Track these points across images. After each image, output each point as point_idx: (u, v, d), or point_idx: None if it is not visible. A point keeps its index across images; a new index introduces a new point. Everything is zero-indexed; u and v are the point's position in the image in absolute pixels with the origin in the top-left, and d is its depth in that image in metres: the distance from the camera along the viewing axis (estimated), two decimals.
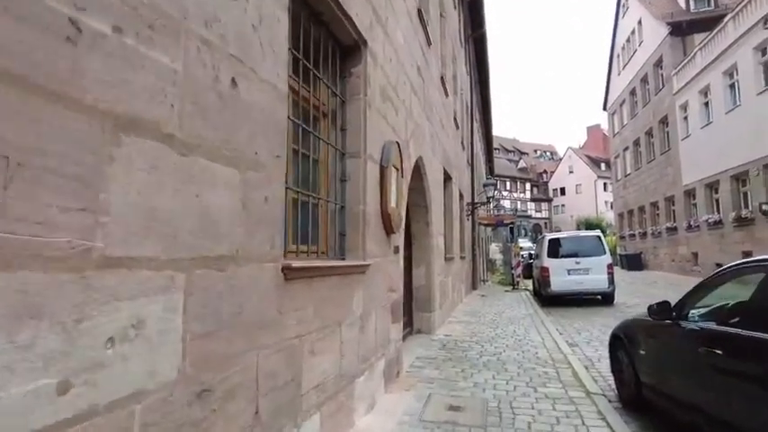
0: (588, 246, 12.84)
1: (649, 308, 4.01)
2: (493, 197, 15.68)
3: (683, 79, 21.62)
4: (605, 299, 12.96)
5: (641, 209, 28.95)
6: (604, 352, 6.98)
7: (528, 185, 78.38)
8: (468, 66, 18.77)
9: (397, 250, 4.99)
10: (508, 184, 75.04)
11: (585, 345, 7.51)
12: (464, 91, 16.29)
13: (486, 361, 5.98)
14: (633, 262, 28.36)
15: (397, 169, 4.76)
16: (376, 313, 4.20)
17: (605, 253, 12.67)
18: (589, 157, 75.53)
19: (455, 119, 12.43)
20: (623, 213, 32.72)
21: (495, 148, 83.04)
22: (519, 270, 19.37)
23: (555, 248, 13.02)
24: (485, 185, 15.64)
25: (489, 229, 33.82)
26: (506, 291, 17.71)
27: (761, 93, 16.12)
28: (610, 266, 12.56)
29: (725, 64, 18.21)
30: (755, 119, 16.25)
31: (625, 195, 31.99)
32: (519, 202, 75.40)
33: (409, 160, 5.87)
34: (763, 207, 15.56)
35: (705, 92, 20.04)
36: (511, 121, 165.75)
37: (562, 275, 12.64)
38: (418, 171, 7.07)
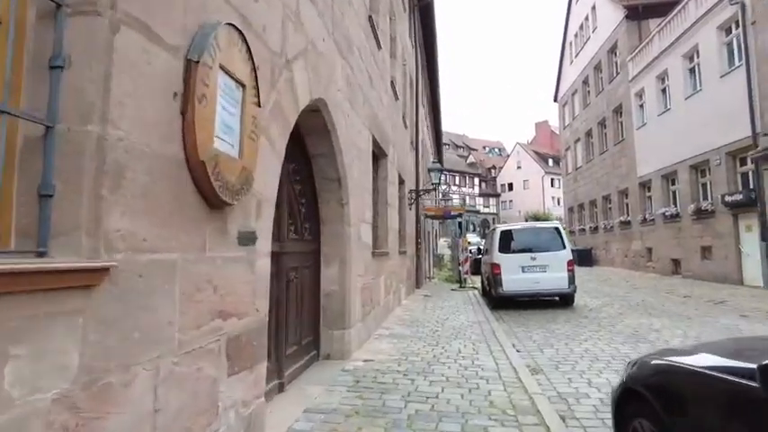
0: (545, 239, 11.06)
1: (763, 369, 1.83)
2: (439, 184, 13.71)
3: (640, 65, 20.44)
4: (564, 300, 11.25)
5: (592, 202, 27.97)
6: (579, 382, 5.04)
7: (476, 180, 77.96)
8: (413, 40, 16.70)
9: (246, 239, 2.74)
10: (457, 178, 74.31)
11: (553, 370, 5.55)
12: (407, 63, 14.18)
13: (415, 414, 3.85)
14: (583, 258, 27.27)
15: (242, 85, 2.51)
16: (159, 369, 1.94)
17: (565, 247, 10.91)
18: (537, 152, 75.90)
19: (393, 85, 10.29)
20: (573, 208, 31.80)
21: (445, 144, 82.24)
22: (467, 266, 17.57)
23: (507, 242, 11.15)
24: (430, 170, 13.63)
25: (437, 222, 32.16)
26: (453, 289, 15.83)
27: (724, 75, 14.91)
28: (570, 263, 10.82)
29: (685, 46, 16.99)
30: (718, 104, 15.04)
31: (575, 189, 31.04)
32: (468, 197, 74.76)
33: (293, 93, 3.63)
34: (726, 198, 14.35)
35: (663, 77, 18.86)
36: (461, 117, 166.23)
37: (515, 273, 10.79)
38: (322, 124, 4.86)
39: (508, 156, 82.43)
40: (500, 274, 10.88)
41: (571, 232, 32.59)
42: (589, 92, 27.96)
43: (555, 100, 35.82)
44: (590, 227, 28.14)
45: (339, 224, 5.60)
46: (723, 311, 9.81)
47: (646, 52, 19.92)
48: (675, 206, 17.97)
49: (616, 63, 23.73)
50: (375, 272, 7.58)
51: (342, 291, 5.58)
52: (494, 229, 11.93)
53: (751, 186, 13.86)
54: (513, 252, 11.03)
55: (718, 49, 15.21)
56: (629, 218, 22.40)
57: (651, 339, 7.07)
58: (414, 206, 15.41)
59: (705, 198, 16.12)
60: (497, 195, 79.76)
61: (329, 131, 4.98)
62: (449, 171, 71.27)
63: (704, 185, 16.36)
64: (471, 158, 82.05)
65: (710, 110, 15.40)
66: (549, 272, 10.72)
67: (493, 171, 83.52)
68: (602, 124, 25.84)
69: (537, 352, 6.54)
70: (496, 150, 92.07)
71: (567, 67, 32.16)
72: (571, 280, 10.72)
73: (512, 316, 9.98)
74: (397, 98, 10.92)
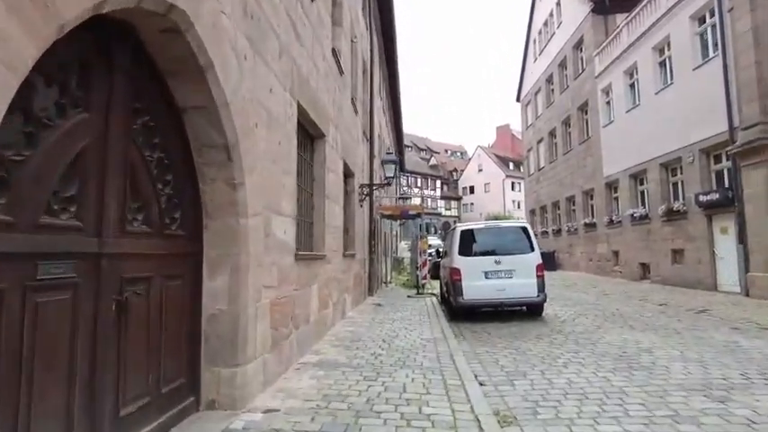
0: (511, 240, 9.64)
1: None
2: (394, 178, 12.14)
3: (607, 59, 19.51)
4: (532, 310, 9.86)
5: (555, 204, 27.07)
6: None
7: (438, 183, 77.29)
8: (368, 23, 15.14)
9: None
10: (419, 180, 73.39)
11: (530, 419, 4.01)
12: (359, 42, 12.56)
13: None
14: (546, 261, 25.94)
15: None
16: None
17: (533, 250, 9.51)
18: (498, 156, 75.87)
19: (336, 56, 8.64)
20: (535, 210, 30.91)
21: (408, 146, 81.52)
22: (425, 270, 16.09)
23: (469, 243, 9.66)
24: (384, 162, 12.04)
25: (398, 223, 30.69)
26: (409, 296, 14.29)
27: (698, 67, 13.97)
28: (540, 268, 9.44)
29: (655, 38, 16.06)
30: (691, 97, 14.08)
31: (538, 190, 30.15)
32: (429, 200, 73.91)
33: None
34: (700, 198, 13.37)
35: (631, 72, 17.94)
36: (424, 121, 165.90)
37: (477, 279, 9.32)
38: (189, 55, 3.16)
39: (470, 159, 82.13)
40: (460, 280, 9.38)
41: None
42: (553, 90, 27.09)
43: (518, 100, 34.99)
44: (553, 229, 27.23)
45: (230, 215, 3.89)
46: (711, 323, 8.60)
47: (613, 46, 18.99)
48: (644, 207, 17.02)
49: (582, 59, 22.84)
50: (301, 281, 5.89)
51: (233, 311, 3.88)
52: (454, 229, 10.43)
53: (727, 185, 12.91)
54: (476, 255, 9.56)
55: (691, 40, 14.27)
56: (594, 220, 21.47)
57: (646, 364, 5.65)
58: (366, 203, 13.81)
59: (676, 198, 15.17)
60: (459, 198, 79.34)
61: (203, 70, 3.28)
62: (411, 173, 70.24)
63: (675, 185, 15.42)
64: (433, 161, 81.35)
65: (683, 104, 14.44)
66: (516, 278, 9.30)
67: (455, 174, 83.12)
68: (567, 123, 24.95)
69: (506, 386, 4.99)
70: (458, 154, 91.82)
71: (531, 65, 31.31)
72: (541, 287, 9.33)
73: (473, 330, 8.48)
74: (341, 72, 9.27)
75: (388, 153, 12.07)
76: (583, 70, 22.36)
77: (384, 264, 21.27)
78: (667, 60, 15.61)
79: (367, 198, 13.32)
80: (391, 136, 32.42)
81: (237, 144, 3.81)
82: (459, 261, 9.49)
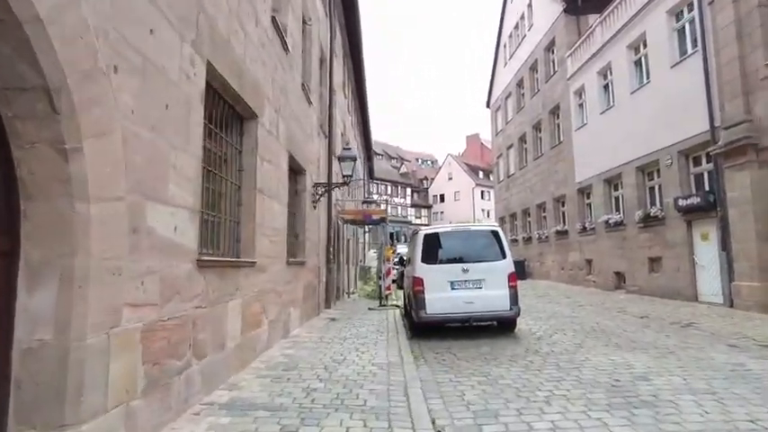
0: (481, 246, 8.50)
1: None
2: (351, 176, 10.87)
3: (579, 60, 18.80)
4: (504, 324, 8.72)
5: (525, 211, 26.28)
6: None
7: (409, 191, 76.56)
8: (328, 8, 13.98)
9: None
10: (389, 188, 72.44)
11: None
12: (314, 25, 11.34)
13: None
14: (516, 270, 25.29)
15: None
16: None
17: (505, 256, 8.38)
18: (468, 164, 75.68)
19: (278, 26, 7.36)
20: (505, 217, 30.10)
21: (379, 154, 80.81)
22: (389, 280, 14.86)
23: (433, 249, 8.47)
24: (341, 159, 10.76)
25: (365, 231, 29.38)
26: (371, 308, 13.04)
27: (676, 65, 13.24)
28: (513, 277, 8.31)
29: (630, 36, 15.35)
30: (669, 97, 13.34)
31: (508, 198, 29.37)
32: (400, 208, 73.06)
33: None
34: (680, 203, 12.56)
35: (605, 72, 17.22)
36: (396, 130, 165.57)
37: (442, 290, 8.13)
38: None
39: (440, 167, 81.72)
40: (423, 291, 8.16)
41: None
42: (523, 94, 26.40)
43: (487, 106, 34.32)
44: (523, 237, 26.41)
45: (61, 197, 2.57)
46: (703, 339, 7.60)
47: (586, 46, 18.28)
48: (619, 213, 16.23)
49: (553, 61, 22.17)
50: (210, 295, 4.56)
51: (61, 343, 2.55)
52: (416, 234, 9.21)
53: (708, 188, 12.12)
54: (441, 262, 8.37)
55: (669, 37, 13.56)
56: (566, 227, 20.66)
57: (646, 398, 4.51)
58: (323, 206, 12.51)
59: (654, 203, 14.37)
60: (429, 206, 78.78)
61: None
62: (381, 180, 69.23)
63: (652, 189, 14.64)
64: (404, 168, 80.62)
65: (660, 104, 13.69)
66: (486, 288, 8.14)
67: (425, 182, 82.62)
68: (537, 128, 24.22)
69: None
70: (429, 162, 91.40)
71: (501, 69, 30.66)
72: (514, 299, 8.19)
73: (437, 350, 7.26)
74: (286, 50, 8.00)
75: (345, 148, 10.83)
76: (554, 72, 21.66)
77: (347, 273, 19.95)
78: (643, 59, 14.89)
79: (322, 199, 12.04)
80: (359, 140, 31.28)
81: (69, 89, 2.49)
82: (422, 269, 8.29)
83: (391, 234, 61.39)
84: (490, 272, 8.21)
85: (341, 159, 10.74)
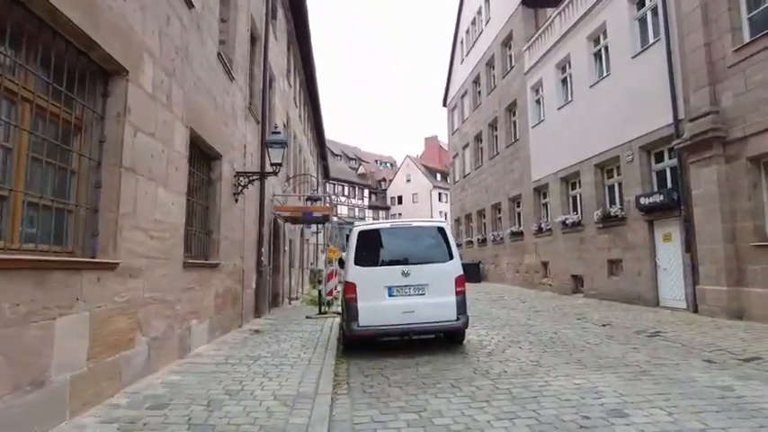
0: (425, 245, 7.25)
1: None
2: (280, 165, 9.42)
3: (537, 54, 17.98)
4: (450, 336, 7.49)
5: (480, 212, 25.42)
6: None
7: (366, 192, 75.32)
8: None
9: None
10: (346, 189, 71.01)
11: None
12: None
13: None
14: (471, 272, 24.45)
15: None
16: None
17: (452, 257, 7.14)
18: (426, 166, 75.15)
19: None
20: (460, 218, 29.25)
21: (337, 155, 79.31)
22: (332, 284, 13.48)
23: (369, 249, 7.14)
24: (269, 144, 9.30)
25: (316, 231, 27.79)
26: (309, 317, 11.58)
27: (637, 55, 12.47)
28: (461, 281, 7.08)
29: (590, 26, 14.57)
30: (630, 89, 12.55)
31: (463, 199, 28.50)
32: (357, 209, 71.67)
33: None
34: (641, 201, 11.74)
35: (564, 65, 16.43)
36: (356, 132, 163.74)
37: (378, 298, 6.82)
38: None
39: (398, 169, 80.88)
40: (355, 300, 6.82)
41: (458, 245, 30.00)
42: (480, 92, 25.57)
43: (444, 104, 33.46)
44: (478, 239, 25.54)
45: None
46: (675, 353, 6.59)
47: (544, 39, 17.48)
48: (577, 213, 15.41)
49: (510, 56, 21.36)
50: (4, 312, 3.06)
51: None
52: (351, 231, 7.84)
53: (671, 186, 11.35)
54: (377, 264, 7.06)
55: (630, 26, 12.80)
56: (521, 228, 19.81)
57: None
58: (254, 200, 11.03)
59: (613, 202, 13.58)
60: (387, 208, 77.70)
61: None
62: (338, 181, 67.70)
63: (612, 188, 13.85)
64: (362, 169, 79.30)
65: (621, 97, 12.90)
66: (430, 295, 6.89)
67: (383, 183, 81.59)
68: (493, 126, 23.40)
69: None
70: (388, 164, 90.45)
71: (458, 67, 29.81)
72: (461, 307, 6.97)
73: (367, 372, 5.94)
74: (189, 5, 6.52)
75: (274, 132, 9.38)
76: (512, 68, 20.84)
77: (292, 277, 18.41)
78: (603, 50, 14.13)
79: (252, 193, 10.55)
80: (310, 135, 29.76)
81: None
82: (355, 273, 6.95)
83: (347, 236, 59.75)
84: (435, 275, 6.96)
85: (268, 145, 9.28)
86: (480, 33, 25.02)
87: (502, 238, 21.94)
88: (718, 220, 9.49)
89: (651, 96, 11.66)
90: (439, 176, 72.89)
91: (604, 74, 13.91)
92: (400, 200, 76.50)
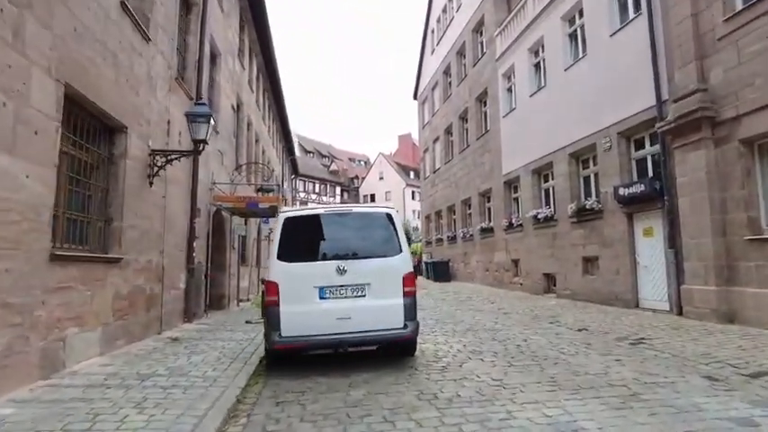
0: (367, 236, 5.91)
1: None
2: (205, 142, 7.94)
3: (509, 38, 16.86)
4: (399, 347, 6.17)
5: (451, 208, 24.27)
6: None
7: (338, 190, 73.75)
8: None
9: None
10: (318, 186, 69.23)
11: None
12: None
13: None
14: (440, 271, 23.41)
15: None
16: None
17: (401, 250, 5.81)
18: (399, 164, 74.05)
19: None
20: (430, 215, 28.08)
21: (310, 152, 77.52)
22: None
23: (296, 240, 5.75)
24: (191, 117, 7.82)
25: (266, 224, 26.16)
26: (249, 321, 10.10)
27: (615, 33, 11.41)
28: (410, 279, 5.76)
29: (565, 5, 13.49)
30: (608, 70, 11.50)
31: (433, 194, 27.34)
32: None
33: None
34: (620, 192, 10.66)
35: (537, 49, 15.33)
36: (331, 130, 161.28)
37: (306, 302, 5.46)
38: None
39: (371, 166, 79.57)
40: (277, 303, 5.44)
41: (428, 243, 28.85)
42: (450, 83, 24.41)
43: (415, 97, 32.24)
44: (448, 236, 24.38)
45: None
46: (668, 366, 5.42)
47: (516, 22, 16.37)
48: (550, 207, 14.32)
49: (482, 43, 20.22)
50: None
51: None
52: (279, 217, 6.41)
53: (652, 175, 10.30)
54: (306, 259, 5.68)
55: (608, 2, 11.71)
56: (491, 224, 18.69)
57: None
58: (184, 186, 9.56)
59: (589, 195, 12.51)
60: None
61: None
62: (309, 177, 65.97)
63: (588, 179, 12.78)
64: (334, 166, 77.69)
65: (598, 80, 11.83)
66: (371, 297, 5.56)
67: (356, 181, 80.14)
68: (464, 117, 22.26)
69: None
70: (362, 162, 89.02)
71: (429, 58, 28.62)
72: (410, 311, 5.65)
73: (281, 397, 4.59)
74: None
75: (198, 103, 7.91)
76: (483, 54, 19.70)
77: (243, 277, 16.85)
78: (579, 30, 13.04)
79: (180, 177, 9.09)
80: (273, 127, 28.18)
81: None
82: (278, 270, 5.56)
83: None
84: (378, 273, 5.63)
85: (190, 118, 7.79)
86: (451, 21, 23.86)
87: (472, 235, 20.81)
88: (706, 211, 8.42)
89: (631, 77, 10.60)
90: (412, 174, 71.82)
91: (580, 55, 12.84)
92: (373, 198, 75.16)
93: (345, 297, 5.52)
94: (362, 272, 5.57)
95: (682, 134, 8.95)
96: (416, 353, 6.35)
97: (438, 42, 26.38)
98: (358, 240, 5.79)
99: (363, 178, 78.82)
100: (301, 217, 5.91)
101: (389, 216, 5.96)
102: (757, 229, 7.80)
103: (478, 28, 20.40)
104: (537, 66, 15.35)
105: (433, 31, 27.72)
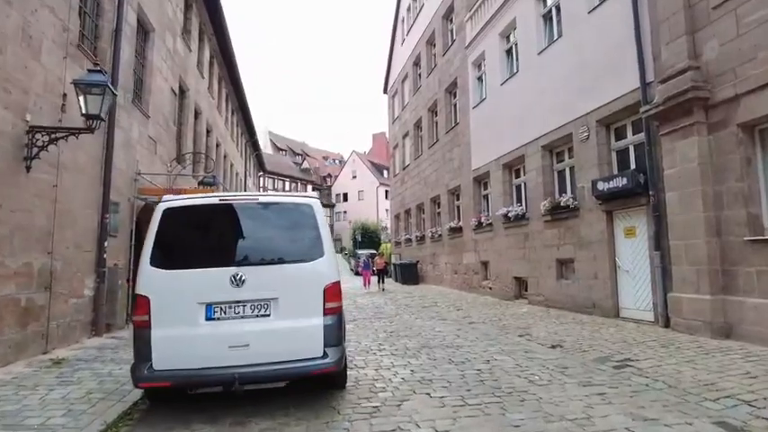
0: (277, 235, 4.49)
1: None
2: (99, 118, 6.38)
3: (480, 22, 15.63)
4: (321, 379, 4.74)
5: (420, 207, 22.99)
6: None
7: (310, 188, 71.81)
8: None
9: None
10: (287, 184, 67.22)
11: None
12: None
13: None
14: (408, 273, 22.13)
15: None
16: None
17: (323, 254, 4.39)
18: (372, 163, 72.61)
19: None
20: (400, 214, 26.77)
21: (282, 150, 75.48)
22: None
23: (178, 240, 4.32)
24: (80, 86, 6.26)
25: None
26: None
27: (594, 9, 10.24)
28: (334, 291, 4.34)
29: None
30: (585, 52, 10.32)
31: (402, 192, 26.03)
32: None
33: None
34: (599, 186, 9.47)
35: (509, 33, 14.12)
36: (309, 129, 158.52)
37: (187, 323, 4.03)
38: None
39: (344, 164, 77.96)
40: (148, 325, 3.98)
41: (397, 243, 27.53)
42: (420, 74, 23.12)
43: (385, 91, 30.88)
44: (416, 236, 23.09)
45: None
46: (666, 405, 4.18)
47: (487, 6, 15.14)
48: (521, 204, 13.10)
49: (452, 31, 18.96)
50: None
51: None
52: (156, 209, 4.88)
53: (634, 166, 9.14)
54: (187, 265, 4.21)
55: None
56: (460, 223, 17.44)
57: None
58: (91, 172, 7.99)
59: (564, 191, 11.32)
60: (332, 206, 74.53)
61: None
62: (278, 175, 63.95)
63: (563, 173, 11.59)
64: (305, 164, 75.79)
65: (574, 63, 10.64)
66: (279, 316, 4.15)
67: (328, 180, 78.42)
68: (433, 110, 20.99)
69: None
70: (336, 161, 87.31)
71: (399, 49, 27.29)
72: (333, 334, 4.26)
73: None
74: None
75: (92, 71, 6.38)
76: (452, 42, 18.44)
77: None
78: (554, 10, 11.84)
79: (83, 163, 7.52)
80: (233, 119, 26.50)
81: None
82: (149, 280, 4.10)
83: None
84: (290, 284, 4.22)
85: (80, 88, 6.24)
86: (421, 8, 22.56)
87: (440, 236, 19.54)
88: (698, 207, 7.25)
89: (612, 58, 9.43)
90: (386, 173, 70.42)
91: (555, 37, 11.63)
92: (345, 197, 73.69)
93: (243, 317, 4.09)
94: (267, 282, 4.15)
95: (670, 119, 7.77)
96: (348, 384, 4.97)
97: (408, 32, 25.07)
98: (264, 240, 4.37)
99: (336, 177, 77.20)
100: (187, 207, 4.42)
101: (310, 208, 4.53)
102: (759, 228, 6.65)
103: (449, 14, 19.14)
104: (509, 52, 14.13)
105: (403, 21, 26.40)
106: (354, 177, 72.22)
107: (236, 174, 27.71)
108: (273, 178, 61.84)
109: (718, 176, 7.14)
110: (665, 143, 7.96)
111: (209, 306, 4.07)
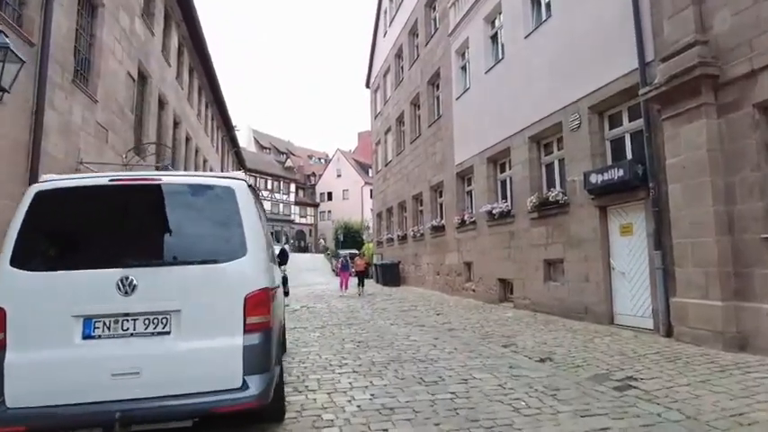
0: (184, 227, 3.43)
1: None
2: (2, 88, 5.26)
3: (463, 7, 14.67)
4: (250, 413, 3.66)
5: (402, 205, 22.02)
6: None
7: (293, 187, 70.51)
8: None
9: None
10: (270, 182, 65.81)
11: None
12: None
13: None
14: (389, 275, 21.14)
15: None
16: None
17: (245, 252, 3.33)
18: (357, 161, 71.50)
19: None
20: (382, 213, 25.78)
21: (266, 148, 74.02)
22: None
23: (55, 230, 3.26)
24: None
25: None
26: None
27: None
28: (258, 300, 3.28)
29: None
30: (577, 32, 9.41)
31: (385, 190, 25.04)
32: (282, 205, 66.80)
33: None
34: (592, 179, 8.55)
35: (494, 17, 13.18)
36: (294, 128, 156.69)
37: (57, 343, 2.96)
38: None
39: (329, 163, 76.72)
40: (2, 347, 2.91)
41: (379, 243, 26.52)
42: (402, 67, 22.14)
43: (367, 86, 29.86)
44: (398, 235, 22.10)
45: None
46: None
47: None
48: (506, 201, 12.17)
49: (435, 19, 18.03)
50: None
51: None
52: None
53: (631, 156, 8.24)
54: (60, 266, 3.15)
55: None
56: (442, 221, 16.48)
57: None
58: (2, 158, 6.87)
59: (552, 185, 10.40)
60: (316, 205, 73.33)
61: None
62: (260, 173, 62.46)
63: (551, 167, 10.67)
64: (289, 162, 74.39)
65: (565, 45, 9.73)
66: (182, 334, 3.10)
67: (312, 178, 77.07)
68: (416, 103, 20.02)
69: None
70: (321, 160, 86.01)
71: (381, 41, 26.30)
72: (258, 358, 3.19)
73: None
74: None
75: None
76: (436, 30, 17.48)
77: None
78: None
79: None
80: (209, 113, 25.30)
81: None
82: (6, 284, 3.03)
83: (273, 233, 54.60)
84: (197, 291, 3.17)
85: None
86: None
87: (422, 235, 18.58)
88: (707, 200, 6.35)
89: (606, 37, 8.53)
90: (371, 172, 69.40)
91: (543, 18, 10.72)
92: (330, 196, 72.50)
93: (133, 335, 3.05)
94: (167, 289, 3.11)
95: (673, 101, 6.87)
96: (288, 416, 3.94)
97: (390, 23, 24.07)
98: (165, 233, 3.32)
99: (320, 176, 75.96)
100: (66, 190, 3.35)
101: (230, 192, 3.47)
102: None
103: (432, 2, 18.18)
104: (494, 37, 13.20)
105: (385, 12, 25.40)
106: (339, 176, 71.08)
107: (211, 169, 26.48)
108: (255, 176, 60.36)
109: (729, 165, 6.24)
110: (667, 129, 7.05)
111: (87, 320, 3.02)
